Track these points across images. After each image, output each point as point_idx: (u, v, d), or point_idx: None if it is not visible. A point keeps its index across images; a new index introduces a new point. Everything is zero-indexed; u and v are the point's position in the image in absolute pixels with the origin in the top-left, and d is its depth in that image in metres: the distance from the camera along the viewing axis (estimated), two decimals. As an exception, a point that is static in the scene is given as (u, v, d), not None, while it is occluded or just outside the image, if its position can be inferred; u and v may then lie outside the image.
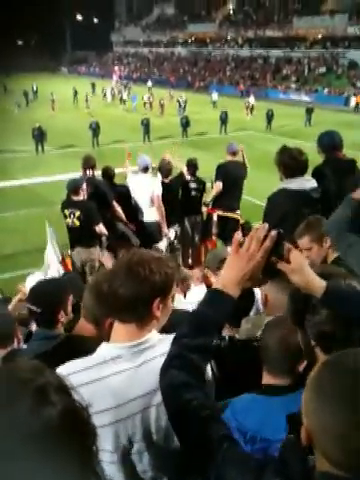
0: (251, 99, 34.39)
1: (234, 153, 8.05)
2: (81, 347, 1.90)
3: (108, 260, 7.18)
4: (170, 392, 1.42)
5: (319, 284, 1.55)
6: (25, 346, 3.77)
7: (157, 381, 1.47)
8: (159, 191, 7.44)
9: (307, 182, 4.05)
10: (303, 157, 4.08)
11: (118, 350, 1.68)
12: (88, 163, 7.57)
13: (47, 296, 2.79)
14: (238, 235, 1.52)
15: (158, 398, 1.42)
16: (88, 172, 7.51)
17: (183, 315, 2.53)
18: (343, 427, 1.04)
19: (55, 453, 0.92)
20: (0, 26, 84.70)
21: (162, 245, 7.64)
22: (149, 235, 7.54)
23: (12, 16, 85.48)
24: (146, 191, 7.43)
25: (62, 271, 6.48)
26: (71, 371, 1.64)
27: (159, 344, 1.69)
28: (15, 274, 9.26)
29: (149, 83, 49.55)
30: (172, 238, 7.86)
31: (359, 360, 1.12)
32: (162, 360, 1.48)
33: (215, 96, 38.19)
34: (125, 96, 40.03)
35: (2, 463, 0.88)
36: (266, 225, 1.49)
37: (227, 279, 1.49)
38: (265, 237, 1.47)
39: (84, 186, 6.88)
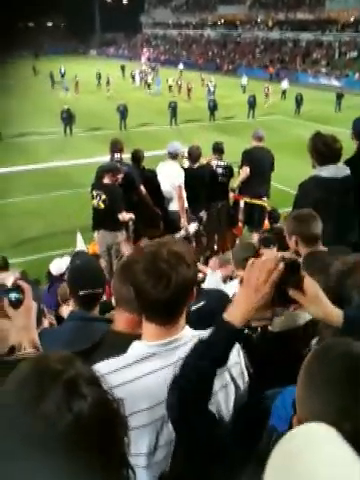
0: (284, 84, 33.61)
1: (260, 139, 7.97)
2: (122, 346, 1.87)
3: (126, 246, 7.16)
4: (176, 405, 1.44)
5: (337, 313, 1.54)
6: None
7: None
8: (180, 181, 7.31)
9: (340, 170, 3.93)
10: (337, 144, 3.96)
11: (152, 348, 1.65)
12: (116, 146, 7.60)
13: (98, 276, 2.85)
14: (250, 261, 1.50)
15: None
16: (116, 155, 7.53)
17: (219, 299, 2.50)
18: (332, 415, 1.03)
19: (87, 445, 0.92)
20: (30, 8, 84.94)
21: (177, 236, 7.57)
22: (171, 223, 7.49)
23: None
24: (169, 179, 7.34)
25: None
26: (106, 371, 1.60)
27: (193, 340, 1.64)
28: (40, 256, 9.36)
29: (180, 66, 48.98)
30: (191, 232, 7.71)
31: (348, 348, 1.13)
32: None
33: (244, 80, 37.14)
34: (150, 80, 39.38)
35: (35, 455, 0.89)
36: (278, 254, 1.52)
37: (234, 312, 1.49)
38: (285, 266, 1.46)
39: (121, 175, 6.90)
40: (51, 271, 6.17)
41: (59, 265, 6.12)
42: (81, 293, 2.72)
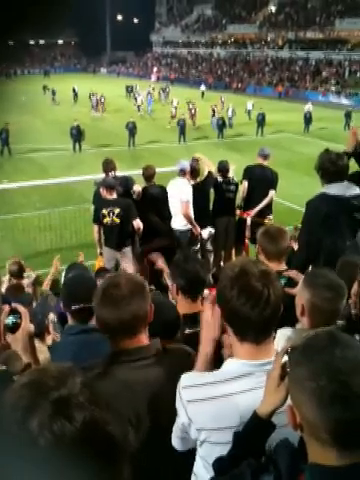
0: (308, 106, 29.92)
1: (264, 157, 7.97)
2: None
3: (129, 264, 7.16)
4: None
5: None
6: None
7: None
8: (186, 197, 7.27)
9: (348, 188, 3.90)
10: (342, 162, 3.95)
11: (248, 367, 1.67)
12: (108, 166, 7.63)
13: (90, 289, 2.77)
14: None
15: (284, 419, 1.37)
16: (110, 174, 7.58)
17: None
18: (313, 373, 1.10)
19: (69, 467, 0.88)
20: (40, 26, 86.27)
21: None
22: (174, 242, 7.44)
23: (52, 16, 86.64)
24: (177, 196, 7.31)
25: None
26: (197, 383, 1.70)
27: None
28: (48, 270, 9.35)
29: (203, 87, 47.12)
30: (206, 237, 7.71)
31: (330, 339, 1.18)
32: None
33: (250, 105, 33.87)
34: (139, 101, 36.53)
35: (8, 474, 0.87)
36: (286, 344, 1.50)
37: (263, 407, 1.50)
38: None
39: (119, 187, 6.97)
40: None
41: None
42: (73, 308, 2.71)
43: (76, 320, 2.75)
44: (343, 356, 1.11)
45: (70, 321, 2.80)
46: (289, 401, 1.26)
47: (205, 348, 1.88)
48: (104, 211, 6.89)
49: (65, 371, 1.01)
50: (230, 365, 1.71)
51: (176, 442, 1.83)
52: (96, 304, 1.99)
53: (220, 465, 1.56)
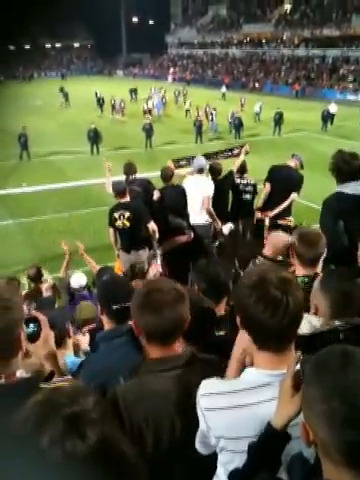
0: (332, 107, 29.20)
1: (295, 161, 7.77)
2: None
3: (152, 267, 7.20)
4: None
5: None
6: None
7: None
8: (209, 193, 7.43)
9: (363, 187, 3.91)
10: (356, 161, 3.95)
11: (268, 378, 1.65)
12: (130, 170, 7.81)
13: (128, 290, 2.82)
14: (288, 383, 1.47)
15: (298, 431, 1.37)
16: (131, 177, 7.74)
17: None
18: (325, 394, 1.11)
19: None
20: (56, 29, 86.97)
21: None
22: (196, 238, 7.49)
23: (69, 19, 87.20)
24: (199, 192, 7.42)
25: None
26: (215, 391, 1.69)
27: None
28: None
29: (223, 88, 45.53)
30: (226, 233, 7.73)
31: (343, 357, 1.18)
32: None
33: (257, 108, 32.17)
34: (150, 105, 34.37)
35: None
36: (298, 353, 1.47)
37: (277, 418, 1.49)
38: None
39: (136, 187, 7.07)
40: (72, 285, 6.36)
41: (79, 279, 6.41)
42: (115, 307, 2.74)
43: (115, 321, 2.78)
44: (356, 378, 1.11)
45: (107, 325, 2.82)
46: (302, 417, 1.26)
47: (237, 354, 1.87)
48: (115, 214, 6.98)
49: (78, 390, 1.00)
50: (249, 374, 1.71)
51: (199, 446, 1.84)
52: (136, 309, 1.97)
53: (235, 478, 1.57)
